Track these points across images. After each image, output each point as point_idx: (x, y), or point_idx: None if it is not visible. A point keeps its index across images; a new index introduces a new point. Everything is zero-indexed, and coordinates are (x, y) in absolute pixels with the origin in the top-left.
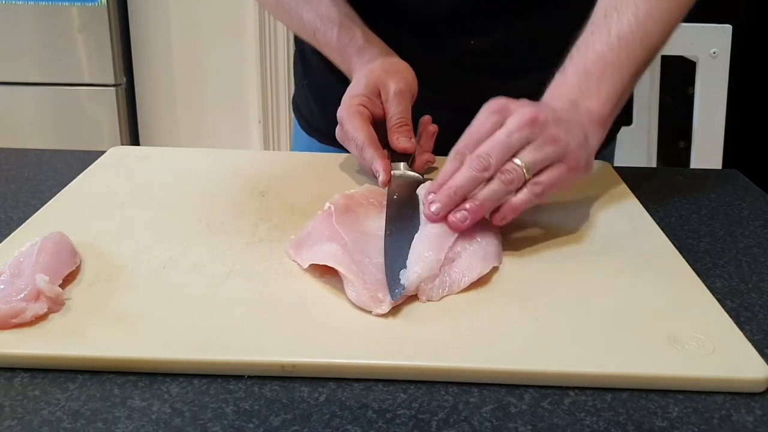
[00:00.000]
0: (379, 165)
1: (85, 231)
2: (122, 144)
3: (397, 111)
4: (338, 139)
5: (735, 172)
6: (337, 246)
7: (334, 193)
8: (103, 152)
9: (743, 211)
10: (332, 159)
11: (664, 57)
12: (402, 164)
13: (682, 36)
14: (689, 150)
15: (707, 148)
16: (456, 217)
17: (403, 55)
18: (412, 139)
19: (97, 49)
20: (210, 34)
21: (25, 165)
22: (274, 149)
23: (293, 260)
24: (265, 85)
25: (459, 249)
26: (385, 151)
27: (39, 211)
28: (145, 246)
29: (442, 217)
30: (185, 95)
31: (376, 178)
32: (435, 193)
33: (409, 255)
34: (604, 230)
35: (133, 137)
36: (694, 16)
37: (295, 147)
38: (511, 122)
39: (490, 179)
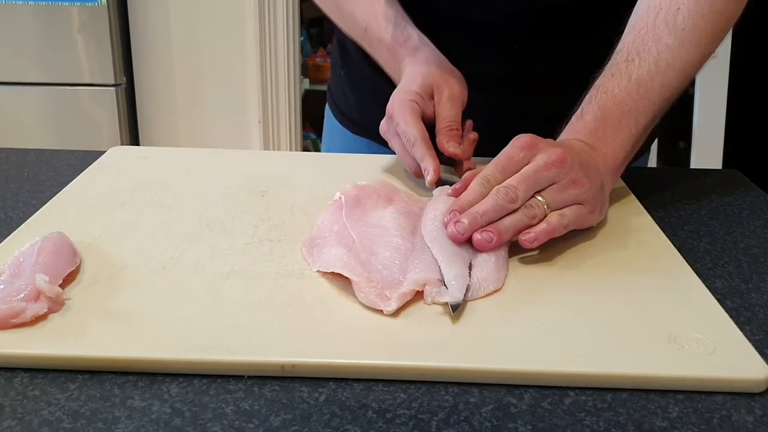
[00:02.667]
0: (429, 164)
1: (85, 231)
2: (122, 144)
3: (449, 114)
4: (382, 133)
5: (735, 172)
6: (343, 249)
7: (334, 192)
8: (103, 152)
9: (743, 211)
10: (332, 159)
11: None
12: (444, 167)
13: None
14: (689, 150)
15: (707, 148)
16: (482, 236)
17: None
18: (461, 146)
19: (97, 49)
20: (210, 34)
21: (25, 165)
22: (274, 149)
23: (305, 260)
24: (265, 85)
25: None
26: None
27: (39, 211)
28: (145, 246)
29: (464, 238)
30: (185, 95)
31: (421, 177)
32: (458, 212)
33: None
34: (604, 230)
35: (133, 137)
36: None
37: (327, 136)
38: (540, 159)
39: (513, 210)
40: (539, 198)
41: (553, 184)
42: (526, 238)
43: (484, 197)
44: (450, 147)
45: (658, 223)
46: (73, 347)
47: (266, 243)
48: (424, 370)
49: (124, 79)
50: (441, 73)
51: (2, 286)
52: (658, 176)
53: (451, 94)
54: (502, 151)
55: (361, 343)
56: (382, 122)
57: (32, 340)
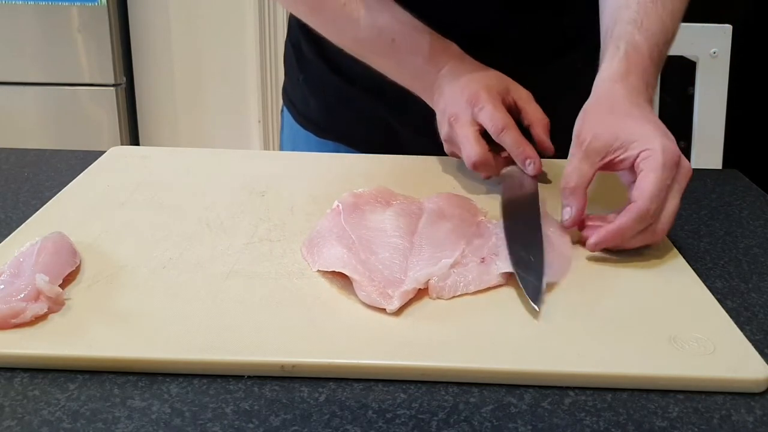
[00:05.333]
0: (531, 151)
1: (85, 231)
2: (122, 144)
3: (540, 111)
4: (450, 120)
5: (735, 172)
6: (344, 249)
7: (334, 192)
8: (103, 152)
9: (743, 211)
10: (332, 159)
11: None
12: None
13: (682, 36)
14: (689, 150)
15: (707, 148)
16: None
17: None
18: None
19: (97, 49)
20: (210, 34)
21: (25, 165)
22: (274, 149)
23: (305, 260)
24: (265, 85)
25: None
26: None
27: (39, 211)
28: (145, 246)
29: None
30: (185, 95)
31: (485, 169)
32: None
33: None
34: None
35: (133, 137)
36: (694, 16)
37: (286, 139)
38: (681, 184)
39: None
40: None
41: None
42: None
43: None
44: (547, 144)
45: None
46: (73, 347)
47: (266, 243)
48: (424, 370)
49: (124, 79)
50: (504, 77)
51: (2, 286)
52: None
53: (529, 95)
54: (656, 177)
55: (361, 343)
56: (457, 109)
57: (32, 340)
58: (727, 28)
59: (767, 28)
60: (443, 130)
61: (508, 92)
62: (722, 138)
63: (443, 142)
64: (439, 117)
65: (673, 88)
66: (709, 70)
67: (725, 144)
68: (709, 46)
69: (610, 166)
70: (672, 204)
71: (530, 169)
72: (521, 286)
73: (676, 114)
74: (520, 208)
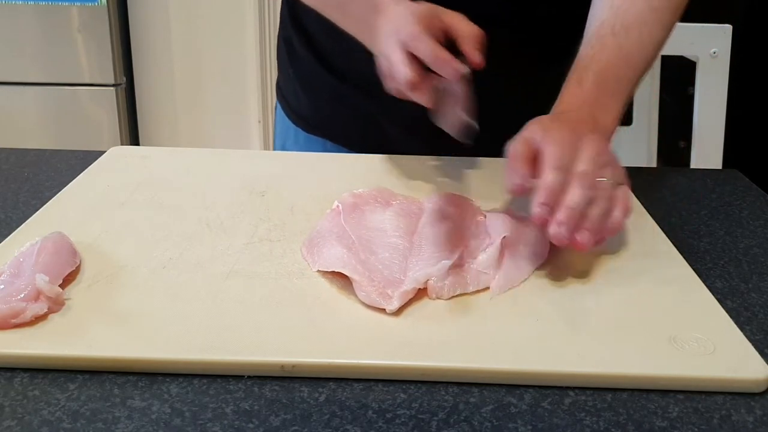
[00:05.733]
0: (445, 54)
1: (85, 231)
2: (122, 144)
3: (470, 26)
4: (384, 43)
5: (735, 172)
6: (343, 249)
7: (334, 192)
8: (103, 152)
9: (743, 211)
10: (332, 159)
11: (664, 57)
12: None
13: (682, 36)
14: (689, 150)
15: (707, 148)
16: (584, 238)
17: None
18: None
19: (97, 49)
20: (210, 34)
21: (25, 165)
22: (274, 149)
23: (305, 260)
24: (265, 85)
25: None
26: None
27: (39, 211)
28: (145, 246)
29: (567, 239)
30: (185, 95)
31: (415, 88)
32: (547, 205)
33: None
34: None
35: (133, 137)
36: (694, 16)
37: (279, 133)
38: (592, 145)
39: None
40: (602, 178)
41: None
42: (615, 225)
43: (561, 184)
44: (476, 57)
45: (658, 223)
46: (73, 347)
47: (266, 243)
48: (424, 370)
49: (124, 79)
50: (434, 6)
51: (2, 286)
52: (658, 176)
53: (461, 16)
54: (551, 136)
55: (361, 343)
56: (381, 45)
57: (32, 340)
58: (727, 28)
59: (767, 28)
60: (382, 68)
61: (438, 17)
62: (722, 138)
63: (384, 79)
64: (377, 57)
65: (673, 88)
66: (709, 70)
67: (725, 144)
68: (709, 46)
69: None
70: (610, 173)
71: (448, 72)
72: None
73: (676, 114)
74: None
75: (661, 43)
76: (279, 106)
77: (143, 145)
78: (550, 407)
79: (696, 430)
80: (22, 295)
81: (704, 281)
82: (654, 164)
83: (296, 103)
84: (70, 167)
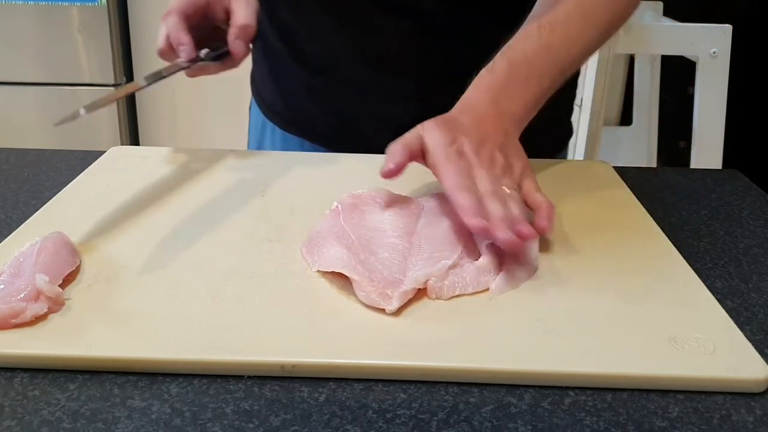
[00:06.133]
0: (184, 37)
1: (85, 231)
2: (122, 144)
3: (243, 10)
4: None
5: (735, 172)
6: (343, 249)
7: (333, 193)
8: (103, 152)
9: (743, 211)
10: (332, 159)
11: (664, 57)
12: (205, 51)
13: (682, 36)
14: (689, 150)
15: (707, 148)
16: (525, 230)
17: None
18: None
19: (97, 49)
20: None
21: (25, 165)
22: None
23: (305, 260)
24: None
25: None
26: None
27: (39, 211)
28: (145, 246)
29: (519, 242)
30: (185, 95)
31: (168, 54)
32: (480, 227)
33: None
34: (604, 230)
35: (133, 137)
36: (694, 16)
37: (254, 129)
38: (481, 164)
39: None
40: (505, 188)
41: (505, 170)
42: (544, 225)
43: (474, 197)
44: (235, 46)
45: (658, 223)
46: (73, 347)
47: (266, 243)
48: (424, 370)
49: (124, 79)
50: None
51: (2, 286)
52: (658, 176)
53: (249, 1)
54: (434, 152)
55: (361, 343)
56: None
57: (32, 340)
58: (727, 28)
59: (767, 28)
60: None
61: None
62: (722, 138)
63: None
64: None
65: (673, 88)
66: (709, 70)
67: (725, 144)
68: (709, 46)
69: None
70: (508, 181)
71: (182, 54)
72: None
73: (676, 114)
74: None
75: (593, 41)
76: (254, 101)
77: (143, 145)
78: (550, 407)
79: (696, 430)
80: (22, 295)
81: (704, 281)
82: (654, 164)
83: (271, 99)
84: (70, 167)
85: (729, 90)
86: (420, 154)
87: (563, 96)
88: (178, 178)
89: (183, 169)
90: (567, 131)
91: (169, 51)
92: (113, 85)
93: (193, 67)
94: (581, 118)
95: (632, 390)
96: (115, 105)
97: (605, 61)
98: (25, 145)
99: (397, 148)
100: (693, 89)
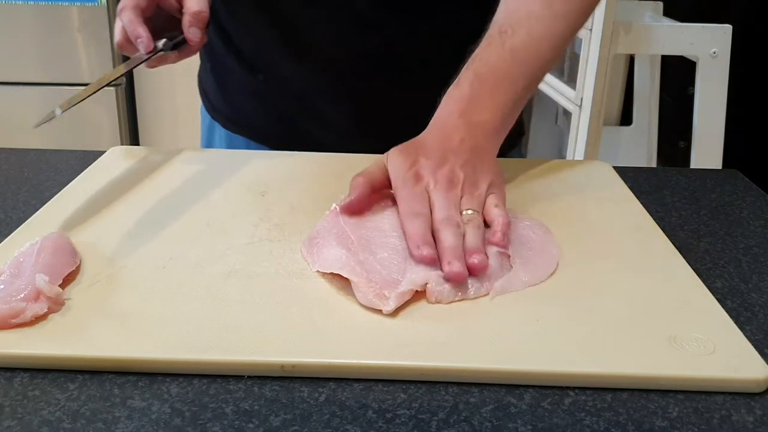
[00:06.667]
0: (142, 31)
1: (85, 231)
2: (122, 144)
3: (197, 4)
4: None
5: (735, 172)
6: (342, 250)
7: (334, 192)
8: (103, 152)
9: (743, 211)
10: (332, 159)
11: (664, 57)
12: (162, 41)
13: (682, 36)
14: (689, 150)
15: (707, 148)
16: (478, 260)
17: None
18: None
19: (97, 49)
20: None
21: (25, 165)
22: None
23: (305, 259)
24: None
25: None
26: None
27: (39, 211)
28: (145, 246)
29: (463, 272)
30: (185, 95)
31: (127, 48)
32: (426, 248)
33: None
34: (604, 230)
35: (133, 137)
36: (694, 16)
37: (206, 129)
38: (440, 187)
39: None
40: (468, 212)
41: (465, 189)
42: (496, 239)
43: (424, 224)
44: (190, 33)
45: (658, 223)
46: (73, 347)
47: (266, 243)
48: (424, 370)
49: (124, 79)
50: None
51: (2, 286)
52: (658, 176)
53: None
54: (393, 178)
55: (361, 343)
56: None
57: (32, 340)
58: (727, 28)
59: (767, 28)
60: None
61: None
62: (722, 138)
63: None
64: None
65: (673, 88)
66: (709, 70)
67: (725, 144)
68: (709, 46)
69: None
70: (469, 204)
71: (141, 47)
72: None
73: (676, 114)
74: None
75: (560, 36)
76: (202, 103)
77: (143, 145)
78: (550, 407)
79: (696, 430)
80: (22, 295)
81: (704, 281)
82: (654, 164)
83: (215, 98)
84: (70, 167)
85: (729, 90)
86: (385, 183)
87: None
88: (178, 178)
89: (183, 169)
90: (518, 129)
91: (127, 44)
92: (113, 85)
93: (153, 57)
94: (581, 118)
95: (632, 390)
96: (115, 105)
97: (605, 61)
98: (25, 145)
99: (358, 180)
100: (693, 89)
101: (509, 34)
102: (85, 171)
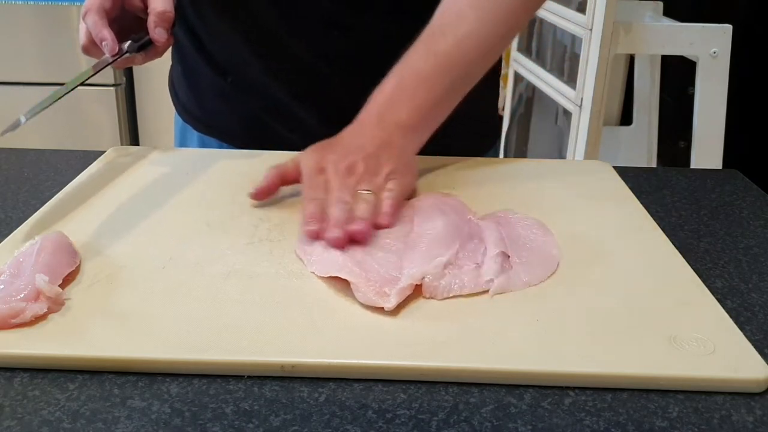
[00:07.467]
0: (106, 34)
1: (85, 231)
2: (122, 144)
3: (162, 4)
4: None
5: (735, 172)
6: (338, 252)
7: None
8: (103, 152)
9: (743, 211)
10: None
11: (664, 57)
12: (128, 42)
13: (682, 36)
14: (689, 150)
15: (707, 148)
16: (358, 226)
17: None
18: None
19: None
20: None
21: (25, 165)
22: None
23: (300, 259)
24: None
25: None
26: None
27: (39, 211)
28: (145, 246)
29: (342, 237)
30: None
31: (92, 52)
32: (313, 223)
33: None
34: (604, 230)
35: (133, 137)
36: (694, 16)
37: (179, 130)
38: (338, 175)
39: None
40: (361, 192)
41: (363, 177)
42: (381, 221)
43: (319, 206)
44: (156, 34)
45: (658, 223)
46: (73, 347)
47: (266, 243)
48: (424, 370)
49: (124, 79)
50: None
51: (2, 286)
52: (658, 176)
53: None
54: (303, 172)
55: (361, 343)
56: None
57: (32, 340)
58: (727, 28)
59: (767, 28)
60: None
61: None
62: (722, 138)
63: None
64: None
65: (673, 88)
66: (709, 70)
67: (725, 144)
68: (709, 46)
69: None
70: (369, 184)
71: (106, 50)
72: None
73: (676, 114)
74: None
75: (490, 38)
76: (174, 104)
77: (143, 145)
78: (550, 407)
79: (696, 430)
80: (21, 295)
81: (704, 281)
82: (654, 164)
83: (186, 100)
84: (70, 167)
85: (729, 90)
86: (295, 177)
87: (485, 98)
88: (178, 178)
89: (183, 169)
90: (493, 131)
91: (92, 47)
92: (113, 85)
93: (119, 59)
94: (581, 118)
95: (632, 390)
96: (115, 105)
97: (605, 61)
98: (25, 145)
99: (271, 172)
100: (693, 89)
101: (437, 35)
102: (85, 171)
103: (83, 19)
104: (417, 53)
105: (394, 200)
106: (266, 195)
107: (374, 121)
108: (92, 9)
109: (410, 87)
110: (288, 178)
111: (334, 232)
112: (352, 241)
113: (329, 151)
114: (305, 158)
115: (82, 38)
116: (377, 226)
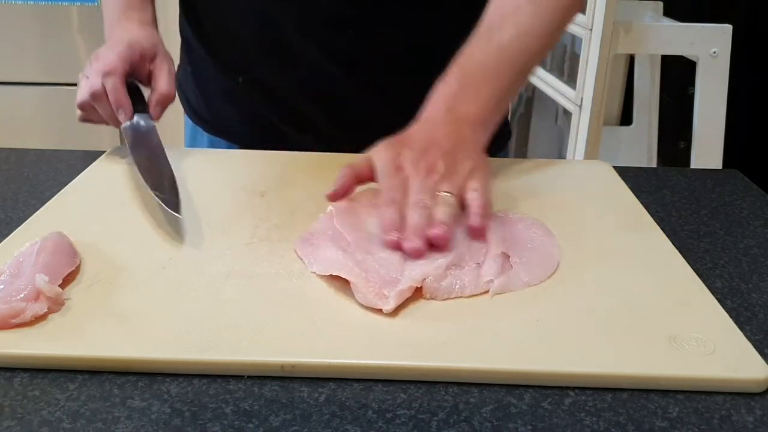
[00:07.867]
0: (124, 100)
1: (85, 231)
2: (122, 144)
3: (166, 84)
4: (89, 66)
5: (735, 172)
6: (338, 251)
7: None
8: (103, 152)
9: (743, 211)
10: (332, 159)
11: (664, 57)
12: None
13: (682, 36)
14: (689, 150)
15: (707, 148)
16: (437, 231)
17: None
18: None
19: (97, 50)
20: None
21: (25, 165)
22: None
23: (300, 258)
24: None
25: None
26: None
27: (39, 211)
28: (145, 246)
29: (422, 246)
30: None
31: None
32: (392, 233)
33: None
34: (604, 230)
35: None
36: (694, 16)
37: (189, 137)
38: (419, 174)
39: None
40: (443, 193)
41: (442, 179)
42: (472, 222)
43: (396, 211)
44: (155, 112)
45: (658, 223)
46: (73, 347)
47: (266, 243)
48: (424, 370)
49: None
50: (161, 43)
51: (2, 286)
52: (658, 176)
53: (171, 69)
54: (378, 170)
55: (361, 343)
56: (91, 65)
57: (32, 340)
58: (727, 28)
59: (767, 28)
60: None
61: (151, 58)
62: (722, 138)
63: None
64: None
65: (673, 88)
66: (709, 70)
67: (725, 144)
68: (709, 46)
69: None
70: (446, 186)
71: (121, 117)
72: (162, 204)
73: (676, 114)
74: (144, 145)
75: (546, 30)
76: (182, 107)
77: None
78: (550, 407)
79: (696, 430)
80: (21, 295)
81: (704, 281)
82: (654, 164)
83: (196, 102)
84: (70, 167)
85: (729, 90)
86: (370, 175)
87: None
88: (177, 178)
89: (183, 169)
90: (505, 133)
91: (90, 106)
92: None
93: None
94: (581, 118)
95: (632, 390)
96: None
97: (605, 61)
98: (25, 145)
99: (345, 171)
100: (693, 89)
101: (496, 29)
102: (85, 171)
103: (102, 77)
104: (478, 46)
105: (482, 200)
106: (343, 195)
107: (445, 116)
108: (116, 73)
109: (476, 81)
110: (362, 176)
111: (414, 242)
112: (430, 246)
113: (404, 147)
114: (379, 155)
115: (84, 94)
116: (472, 231)
